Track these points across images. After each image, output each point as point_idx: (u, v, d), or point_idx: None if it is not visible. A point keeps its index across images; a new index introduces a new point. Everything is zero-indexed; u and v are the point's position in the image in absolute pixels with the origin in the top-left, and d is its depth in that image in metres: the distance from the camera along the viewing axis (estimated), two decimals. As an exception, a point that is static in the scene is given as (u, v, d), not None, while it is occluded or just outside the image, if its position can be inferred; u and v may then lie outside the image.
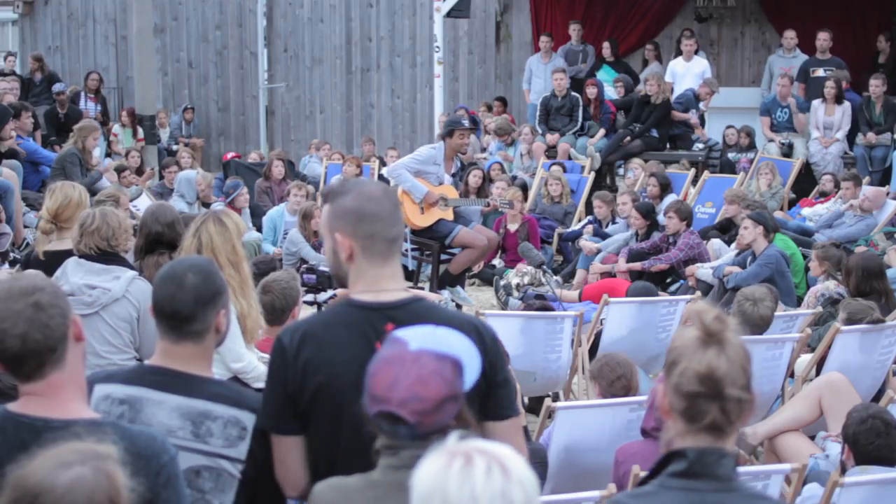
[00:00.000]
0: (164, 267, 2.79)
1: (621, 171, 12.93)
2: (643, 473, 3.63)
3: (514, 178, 11.89)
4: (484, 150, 13.50)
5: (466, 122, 8.25)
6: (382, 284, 2.59)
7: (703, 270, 8.84)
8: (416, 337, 2.18)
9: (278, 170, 11.95)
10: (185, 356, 2.71)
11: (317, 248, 9.34)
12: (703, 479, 2.08)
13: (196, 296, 2.67)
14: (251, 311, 4.29)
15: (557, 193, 11.21)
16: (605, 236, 10.14)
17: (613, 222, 10.35)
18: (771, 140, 12.33)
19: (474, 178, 10.97)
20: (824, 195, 11.07)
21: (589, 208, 11.22)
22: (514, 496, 1.72)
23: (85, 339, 2.43)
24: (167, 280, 2.71)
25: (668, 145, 12.76)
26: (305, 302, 5.06)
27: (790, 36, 13.31)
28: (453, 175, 8.37)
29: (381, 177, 12.73)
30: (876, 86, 11.80)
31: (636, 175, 11.75)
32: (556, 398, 6.09)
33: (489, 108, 14.82)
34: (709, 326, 2.08)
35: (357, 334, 2.55)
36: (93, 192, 7.51)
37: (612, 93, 13.32)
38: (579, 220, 11.11)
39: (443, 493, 1.73)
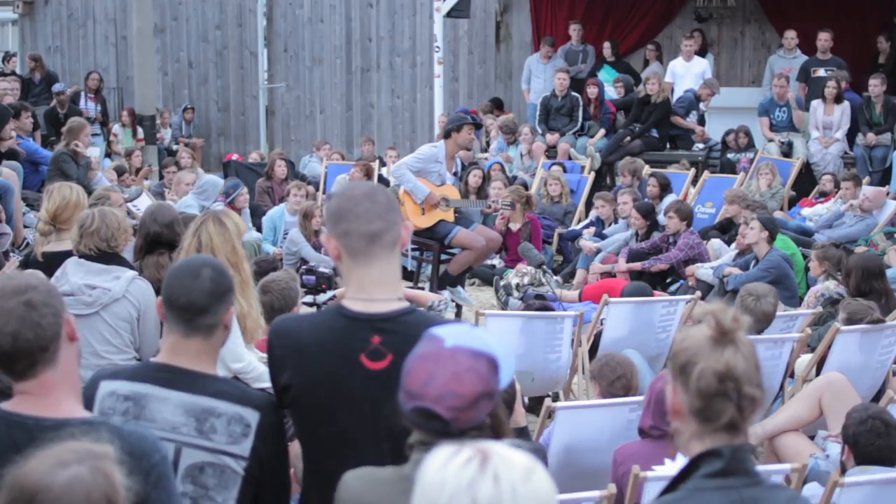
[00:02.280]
0: (178, 262, 2.81)
1: (621, 170, 12.93)
2: (643, 473, 3.65)
3: (515, 178, 11.89)
4: (487, 146, 13.49)
5: (471, 118, 8.32)
6: (372, 290, 2.57)
7: (703, 270, 8.84)
8: (452, 334, 2.17)
9: (281, 169, 11.95)
10: (193, 352, 2.71)
11: (317, 247, 9.34)
12: (737, 476, 2.09)
13: (212, 288, 2.70)
14: (251, 311, 4.28)
15: (557, 193, 11.21)
16: (605, 237, 10.14)
17: (615, 222, 10.34)
18: (771, 140, 12.33)
19: (474, 178, 10.95)
20: (824, 195, 11.07)
21: (589, 208, 11.21)
22: (482, 490, 1.70)
23: (78, 338, 2.43)
24: (183, 273, 2.72)
25: (668, 145, 12.77)
26: (304, 303, 5.05)
27: (791, 36, 13.31)
28: (455, 174, 8.37)
29: (380, 177, 12.73)
30: (875, 85, 11.80)
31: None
32: (556, 398, 6.09)
33: (491, 110, 14.77)
34: (725, 326, 2.09)
35: (341, 346, 2.54)
36: (88, 191, 7.51)
37: (612, 93, 13.32)
38: (579, 221, 11.11)
39: (422, 481, 1.76)
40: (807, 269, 8.60)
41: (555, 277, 9.27)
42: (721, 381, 2.07)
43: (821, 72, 12.63)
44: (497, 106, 15.11)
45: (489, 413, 2.14)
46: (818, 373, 5.86)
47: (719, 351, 2.08)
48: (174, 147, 15.26)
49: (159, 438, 2.42)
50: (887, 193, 10.60)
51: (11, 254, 8.37)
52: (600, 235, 10.21)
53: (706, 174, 11.67)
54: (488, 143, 13.63)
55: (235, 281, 4.14)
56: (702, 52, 13.70)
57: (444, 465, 1.74)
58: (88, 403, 2.61)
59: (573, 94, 12.80)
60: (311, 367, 2.56)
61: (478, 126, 8.45)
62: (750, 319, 5.23)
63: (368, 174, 12.08)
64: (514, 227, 10.05)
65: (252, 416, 2.68)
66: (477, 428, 2.12)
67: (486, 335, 2.22)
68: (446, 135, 8.25)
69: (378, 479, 2.21)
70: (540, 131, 12.80)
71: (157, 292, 4.23)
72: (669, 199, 10.19)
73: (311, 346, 2.57)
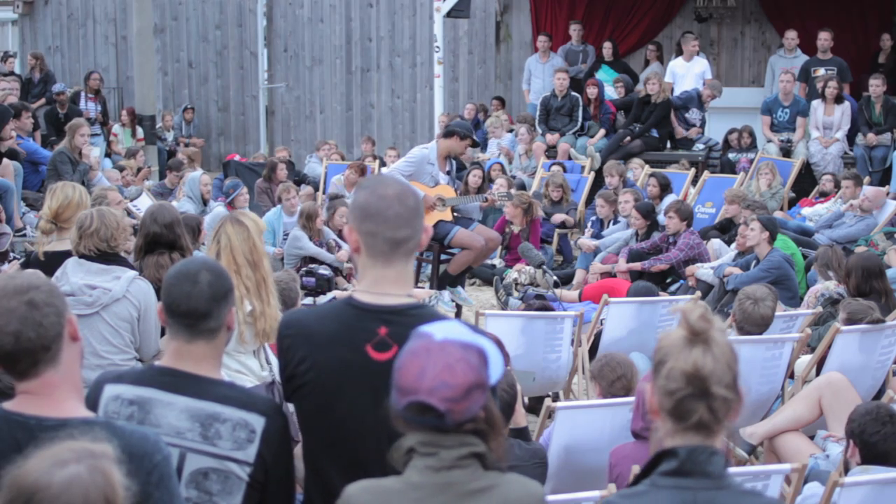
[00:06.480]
0: (174, 267, 2.77)
1: (621, 171, 12.92)
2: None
3: (514, 177, 11.89)
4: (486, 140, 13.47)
5: (475, 136, 8.27)
6: (385, 287, 2.57)
7: (703, 270, 8.83)
8: (441, 329, 2.19)
9: (283, 173, 11.98)
10: (196, 356, 2.70)
11: (319, 246, 9.33)
12: (694, 477, 2.08)
13: (212, 293, 2.67)
14: (267, 311, 4.15)
15: (558, 199, 11.20)
16: (601, 238, 10.13)
17: (615, 222, 10.33)
18: (770, 140, 12.34)
19: (474, 178, 10.96)
20: (824, 195, 11.07)
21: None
22: None
23: (81, 338, 2.42)
24: (181, 279, 2.69)
25: (668, 145, 12.76)
26: (304, 304, 5.06)
27: (791, 36, 13.31)
28: (448, 173, 8.35)
29: (380, 177, 12.71)
30: (876, 85, 11.80)
31: (636, 175, 11.75)
32: (556, 398, 6.09)
33: (486, 110, 14.73)
34: (693, 325, 2.09)
35: (348, 335, 2.55)
36: (89, 191, 7.51)
37: (612, 93, 13.32)
38: (580, 221, 11.11)
39: None
40: (807, 269, 8.60)
41: (553, 278, 9.27)
42: (688, 380, 2.07)
43: (821, 72, 12.63)
44: (500, 101, 15.06)
45: (482, 406, 2.13)
46: (818, 373, 5.85)
47: (688, 351, 2.08)
48: (175, 147, 15.26)
49: (162, 438, 2.42)
50: (887, 193, 10.60)
51: (11, 253, 8.39)
52: (597, 236, 10.21)
53: (706, 174, 11.67)
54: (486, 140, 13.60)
55: (252, 280, 4.13)
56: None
57: None
58: (93, 407, 2.60)
59: (573, 94, 12.81)
60: (319, 356, 2.56)
61: (476, 144, 8.40)
62: (738, 320, 5.20)
63: (363, 174, 12.05)
64: (516, 228, 10.06)
65: (257, 422, 2.67)
66: (471, 421, 2.12)
67: (471, 331, 2.23)
68: (446, 135, 8.21)
69: (386, 491, 2.17)
70: (540, 131, 12.79)
71: (158, 292, 4.22)
72: (669, 199, 10.19)
73: (319, 336, 2.58)
